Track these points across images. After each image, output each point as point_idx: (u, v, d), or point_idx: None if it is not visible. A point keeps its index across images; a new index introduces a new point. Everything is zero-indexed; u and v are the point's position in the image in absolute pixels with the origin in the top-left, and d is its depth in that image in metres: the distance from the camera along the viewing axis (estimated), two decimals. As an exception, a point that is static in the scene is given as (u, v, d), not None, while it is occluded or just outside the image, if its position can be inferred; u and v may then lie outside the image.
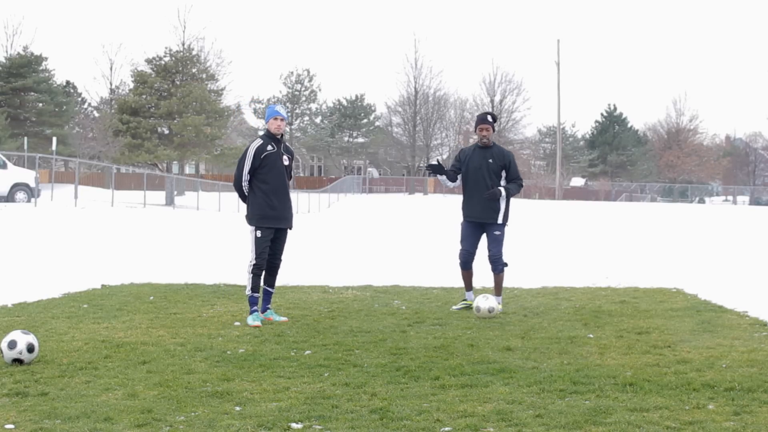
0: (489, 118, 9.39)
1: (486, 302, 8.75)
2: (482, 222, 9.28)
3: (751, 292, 10.78)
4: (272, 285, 8.73)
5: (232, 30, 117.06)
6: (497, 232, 9.25)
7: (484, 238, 9.42)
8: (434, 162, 9.63)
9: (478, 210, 9.24)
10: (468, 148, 9.57)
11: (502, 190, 9.16)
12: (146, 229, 23.25)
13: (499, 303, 9.04)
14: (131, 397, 5.42)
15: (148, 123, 54.21)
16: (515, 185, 9.27)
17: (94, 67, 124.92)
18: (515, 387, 5.68)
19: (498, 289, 9.39)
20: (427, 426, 4.79)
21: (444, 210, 45.77)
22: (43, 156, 41.90)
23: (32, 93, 65.46)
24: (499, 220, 9.24)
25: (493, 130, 9.36)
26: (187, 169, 68.49)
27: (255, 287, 8.48)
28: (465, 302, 9.41)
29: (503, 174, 9.25)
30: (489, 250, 9.29)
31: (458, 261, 9.52)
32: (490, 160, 9.21)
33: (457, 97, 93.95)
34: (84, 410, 5.07)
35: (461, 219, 9.50)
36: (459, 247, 9.48)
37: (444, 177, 9.43)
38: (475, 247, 9.42)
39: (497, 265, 9.29)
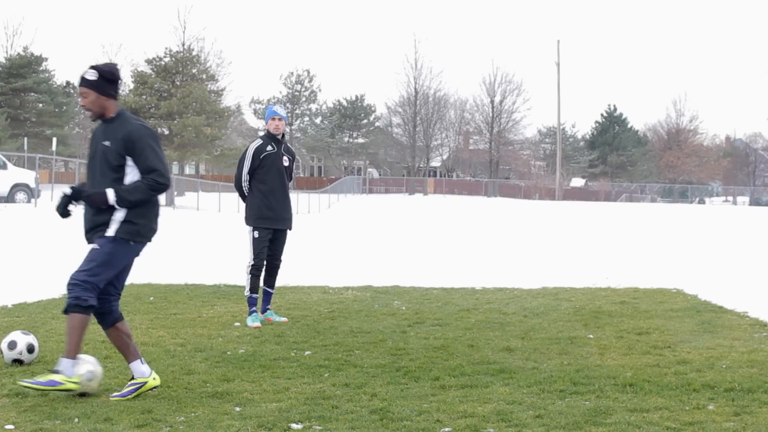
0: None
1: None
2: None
3: (751, 292, 10.78)
4: (272, 286, 8.72)
5: (232, 30, 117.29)
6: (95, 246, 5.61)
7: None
8: None
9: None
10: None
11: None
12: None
13: (76, 367, 5.30)
14: (131, 398, 5.41)
15: (148, 123, 54.15)
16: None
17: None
18: (515, 387, 5.68)
19: (70, 346, 5.28)
20: (427, 426, 4.78)
21: (444, 210, 45.73)
22: (43, 156, 41.94)
23: (32, 93, 65.60)
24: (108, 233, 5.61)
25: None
26: (187, 170, 68.48)
27: (254, 288, 8.47)
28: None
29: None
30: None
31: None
32: None
33: (457, 97, 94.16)
34: (84, 411, 5.07)
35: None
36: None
37: None
38: None
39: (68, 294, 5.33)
